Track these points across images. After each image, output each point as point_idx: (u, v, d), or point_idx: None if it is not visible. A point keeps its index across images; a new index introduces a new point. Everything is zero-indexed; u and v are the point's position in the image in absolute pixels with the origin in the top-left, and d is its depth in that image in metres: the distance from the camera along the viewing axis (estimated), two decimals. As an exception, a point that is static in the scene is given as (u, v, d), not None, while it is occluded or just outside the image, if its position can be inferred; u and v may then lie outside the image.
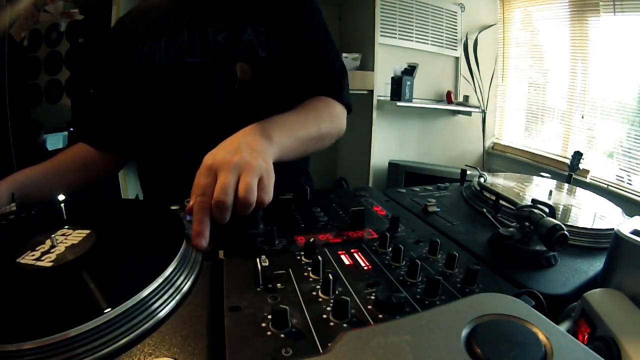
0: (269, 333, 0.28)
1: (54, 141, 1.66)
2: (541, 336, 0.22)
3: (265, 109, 0.71)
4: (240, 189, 0.42)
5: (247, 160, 0.44)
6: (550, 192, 0.67)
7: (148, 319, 0.29)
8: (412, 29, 2.33)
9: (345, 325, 0.30)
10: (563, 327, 0.31)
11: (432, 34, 2.40)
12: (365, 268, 0.38)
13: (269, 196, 0.45)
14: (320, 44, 0.73)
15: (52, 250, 0.37)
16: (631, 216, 0.42)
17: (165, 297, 0.31)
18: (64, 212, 0.46)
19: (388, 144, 2.44)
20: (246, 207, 0.42)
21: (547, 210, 0.44)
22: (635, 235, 0.32)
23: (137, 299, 0.29)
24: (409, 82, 2.18)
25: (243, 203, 0.42)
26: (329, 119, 0.68)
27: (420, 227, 0.50)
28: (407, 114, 2.44)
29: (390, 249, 0.42)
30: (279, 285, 0.34)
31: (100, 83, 0.77)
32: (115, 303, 0.28)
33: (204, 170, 0.44)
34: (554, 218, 0.41)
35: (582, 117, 2.17)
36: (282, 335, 0.28)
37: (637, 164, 1.92)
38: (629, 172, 1.96)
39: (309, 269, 0.37)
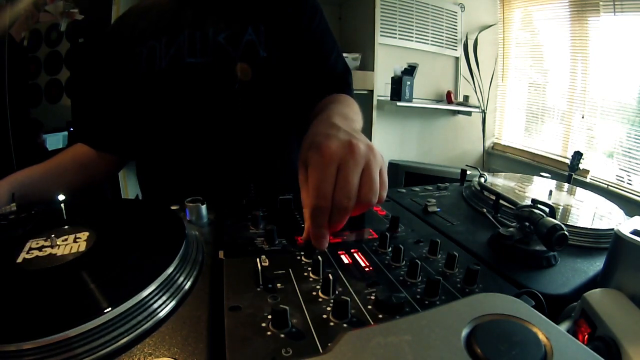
0: (269, 333, 0.28)
1: (54, 141, 1.66)
2: (541, 336, 0.22)
3: (266, 109, 0.71)
4: (365, 189, 0.35)
5: (367, 142, 0.37)
6: (550, 192, 0.67)
7: (148, 319, 0.29)
8: (412, 29, 2.33)
9: (345, 325, 0.30)
10: (563, 327, 0.31)
11: (432, 34, 2.40)
12: (365, 268, 0.38)
13: (386, 191, 0.39)
14: (322, 44, 0.73)
15: (52, 250, 0.37)
16: (631, 216, 0.42)
17: (166, 297, 0.31)
18: (64, 212, 0.46)
19: (388, 144, 2.44)
20: (365, 208, 0.36)
21: (547, 210, 0.44)
22: (635, 235, 0.32)
23: (137, 299, 0.29)
24: (409, 82, 2.18)
25: (365, 205, 0.36)
26: (359, 113, 0.66)
27: (420, 227, 0.50)
28: (407, 114, 2.44)
29: (390, 249, 0.42)
30: (279, 285, 0.34)
31: (99, 83, 0.77)
32: (116, 303, 0.28)
33: (318, 160, 0.36)
34: (554, 218, 0.41)
35: (582, 117, 2.17)
36: (282, 335, 0.28)
37: (637, 164, 1.92)
38: (629, 172, 1.96)
39: (309, 269, 0.37)
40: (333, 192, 0.35)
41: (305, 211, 0.38)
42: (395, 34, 2.27)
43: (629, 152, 1.97)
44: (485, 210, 0.55)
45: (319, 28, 0.72)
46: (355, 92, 0.76)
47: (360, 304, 0.32)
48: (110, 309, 0.27)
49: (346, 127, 0.41)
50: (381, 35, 2.14)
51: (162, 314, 0.30)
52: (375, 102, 2.11)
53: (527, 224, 0.43)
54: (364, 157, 0.36)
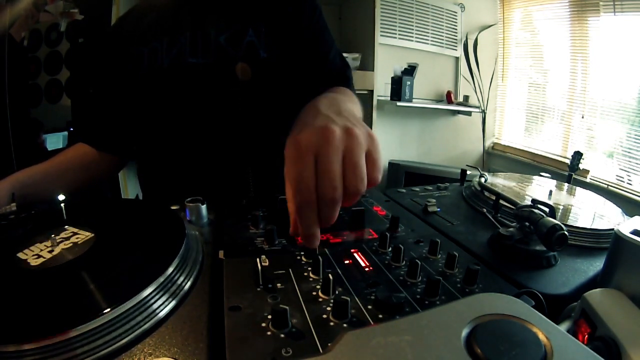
0: (269, 333, 0.28)
1: (54, 141, 1.66)
2: (541, 336, 0.22)
3: (267, 109, 0.71)
4: (349, 175, 0.32)
5: (346, 124, 0.34)
6: (550, 192, 0.67)
7: (148, 319, 0.29)
8: (412, 29, 2.33)
9: (345, 325, 0.30)
10: (563, 327, 0.31)
11: (432, 34, 2.40)
12: (365, 268, 0.38)
13: (380, 172, 0.34)
14: (321, 42, 0.73)
15: (52, 251, 0.37)
16: (631, 216, 0.42)
17: (166, 297, 0.31)
18: (64, 212, 0.46)
19: (388, 144, 2.44)
20: (355, 197, 0.32)
21: (547, 210, 0.44)
22: (635, 235, 0.32)
23: (137, 299, 0.29)
24: (409, 82, 2.18)
25: (353, 193, 0.32)
26: (356, 101, 0.63)
27: (420, 227, 0.50)
28: (407, 114, 2.44)
29: (390, 249, 0.42)
30: (279, 285, 0.34)
31: (100, 83, 0.77)
32: (116, 303, 0.28)
33: (292, 153, 0.33)
34: (554, 218, 0.41)
35: (582, 117, 2.17)
36: (282, 335, 0.28)
37: (637, 164, 1.92)
38: (629, 172, 1.96)
39: (309, 269, 0.37)
40: (316, 186, 0.32)
41: (289, 205, 0.35)
42: (395, 34, 2.27)
43: (629, 152, 1.97)
44: (485, 210, 0.55)
45: (318, 25, 0.72)
46: (355, 91, 0.76)
47: (360, 304, 0.32)
48: (110, 309, 0.27)
49: (328, 111, 0.38)
50: (381, 35, 2.14)
51: (162, 314, 0.30)
52: (375, 102, 2.11)
53: (527, 224, 0.43)
54: (341, 140, 0.32)
